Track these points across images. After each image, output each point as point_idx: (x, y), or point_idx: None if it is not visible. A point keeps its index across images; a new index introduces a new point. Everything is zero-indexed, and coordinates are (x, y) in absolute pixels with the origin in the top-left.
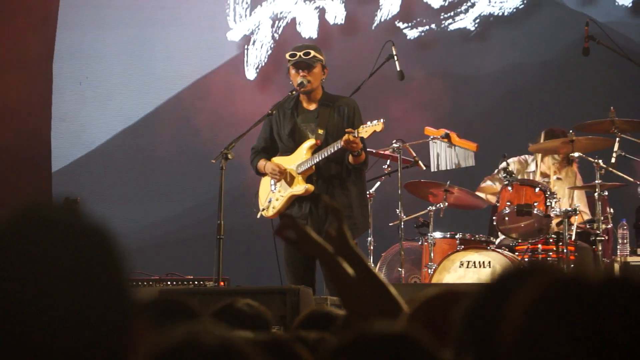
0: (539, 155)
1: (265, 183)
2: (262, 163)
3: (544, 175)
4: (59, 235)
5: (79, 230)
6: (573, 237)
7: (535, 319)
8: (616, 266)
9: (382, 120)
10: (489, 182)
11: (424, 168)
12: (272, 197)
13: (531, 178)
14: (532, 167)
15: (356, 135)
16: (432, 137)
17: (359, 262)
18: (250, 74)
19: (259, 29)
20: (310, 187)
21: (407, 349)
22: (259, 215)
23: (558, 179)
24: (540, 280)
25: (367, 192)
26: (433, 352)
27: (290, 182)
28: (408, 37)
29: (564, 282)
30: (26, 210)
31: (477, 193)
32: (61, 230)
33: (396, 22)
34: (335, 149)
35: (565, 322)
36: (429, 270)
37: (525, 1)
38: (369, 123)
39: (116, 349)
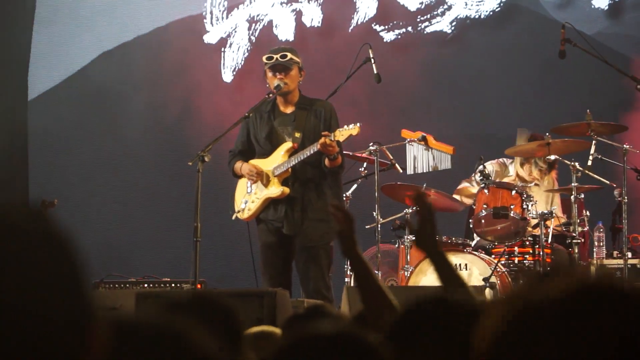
0: (518, 162)
1: (242, 185)
2: (238, 165)
3: (522, 180)
4: (18, 240)
5: (39, 236)
6: (549, 240)
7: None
8: (592, 269)
9: (358, 124)
10: (465, 184)
11: (401, 171)
12: (247, 199)
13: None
14: (511, 172)
15: (332, 139)
16: (409, 139)
17: (448, 267)
18: (227, 76)
19: (235, 31)
20: (286, 189)
21: (347, 348)
22: (234, 217)
23: (536, 184)
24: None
25: (344, 195)
26: (375, 350)
27: (266, 184)
28: (385, 40)
29: (532, 304)
30: None
31: (454, 195)
32: (20, 235)
33: (373, 25)
34: (312, 152)
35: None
36: (406, 272)
37: (501, 4)
38: (345, 126)
39: (72, 352)
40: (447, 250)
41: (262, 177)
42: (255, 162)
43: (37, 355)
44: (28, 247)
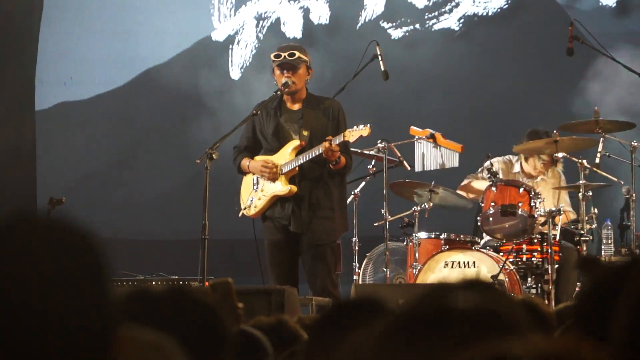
0: (522, 157)
1: (248, 182)
2: (245, 162)
3: (528, 176)
4: (44, 240)
5: (64, 235)
6: (557, 237)
7: None
8: None
9: (368, 124)
10: (469, 180)
11: (409, 168)
12: (254, 196)
13: (516, 179)
14: (516, 168)
15: (341, 139)
16: (417, 137)
17: None
18: (235, 73)
19: (243, 28)
20: (294, 188)
21: None
22: (240, 214)
23: (542, 179)
24: None
25: (352, 193)
26: None
27: (274, 181)
28: (392, 37)
29: None
30: (13, 215)
31: (459, 191)
32: (47, 235)
33: (380, 22)
34: (317, 153)
35: None
36: (414, 270)
37: (509, 1)
38: (355, 127)
39: (96, 350)
40: (455, 248)
41: (275, 170)
42: (262, 158)
43: (67, 350)
44: (59, 246)
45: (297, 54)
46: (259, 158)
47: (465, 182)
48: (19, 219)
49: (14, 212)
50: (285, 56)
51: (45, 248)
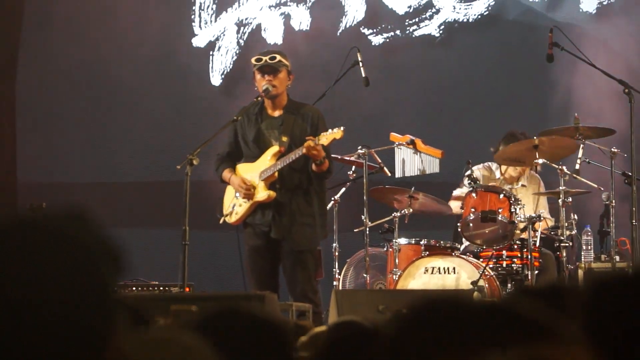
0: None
1: (231, 189)
2: (226, 175)
3: (510, 181)
4: (47, 241)
5: (68, 236)
6: (537, 243)
7: None
8: (580, 272)
9: (342, 127)
10: (459, 192)
11: (389, 174)
12: (235, 202)
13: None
14: (497, 175)
15: (317, 142)
16: (397, 143)
17: None
18: (216, 79)
19: (224, 35)
20: (272, 193)
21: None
22: (221, 221)
23: (523, 185)
24: None
25: (333, 199)
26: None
27: (254, 191)
28: (373, 44)
29: None
30: (16, 217)
31: (454, 202)
32: (49, 236)
33: (361, 29)
34: (297, 155)
35: None
36: (394, 276)
37: (489, 8)
38: (329, 130)
39: (94, 350)
40: (435, 253)
41: (250, 192)
42: (243, 166)
43: (66, 350)
44: (61, 247)
45: (278, 57)
46: (241, 166)
47: (456, 193)
48: (16, 219)
49: (13, 213)
50: (266, 59)
51: (43, 248)
